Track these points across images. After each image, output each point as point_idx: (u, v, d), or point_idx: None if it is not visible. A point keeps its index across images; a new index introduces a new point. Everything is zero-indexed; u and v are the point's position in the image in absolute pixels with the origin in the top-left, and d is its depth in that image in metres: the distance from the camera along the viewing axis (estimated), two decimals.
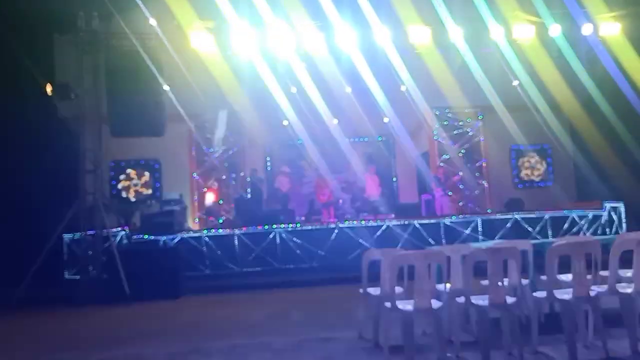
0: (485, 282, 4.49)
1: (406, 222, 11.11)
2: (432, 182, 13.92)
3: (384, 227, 10.98)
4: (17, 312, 8.30)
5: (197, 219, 13.91)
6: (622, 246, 4.38)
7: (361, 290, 5.16)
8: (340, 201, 14.51)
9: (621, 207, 11.94)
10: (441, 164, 14.90)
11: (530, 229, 11.36)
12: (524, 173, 15.51)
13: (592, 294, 4.17)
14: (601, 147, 12.61)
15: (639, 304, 4.28)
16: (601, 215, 11.80)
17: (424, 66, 11.69)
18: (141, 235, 10.39)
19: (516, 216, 11.54)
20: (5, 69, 10.37)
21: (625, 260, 4.55)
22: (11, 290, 8.83)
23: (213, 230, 11.11)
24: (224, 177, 14.20)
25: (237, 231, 10.65)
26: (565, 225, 11.53)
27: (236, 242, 10.48)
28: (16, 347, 5.90)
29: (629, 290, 4.28)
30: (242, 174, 14.52)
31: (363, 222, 11.43)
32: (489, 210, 14.43)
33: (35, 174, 10.42)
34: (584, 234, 11.31)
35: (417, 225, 11.07)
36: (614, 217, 11.86)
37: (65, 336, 6.46)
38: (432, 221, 11.39)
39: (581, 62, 11.72)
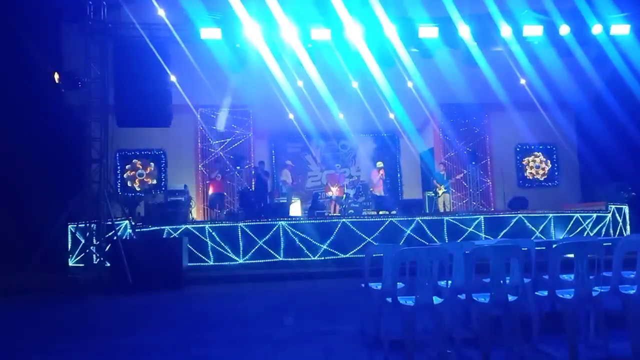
0: (487, 280, 4.48)
1: (409, 218, 11.12)
2: (435, 180, 13.84)
3: (387, 223, 10.99)
4: (20, 298, 8.35)
5: (201, 210, 13.97)
6: (625, 247, 4.37)
7: (363, 285, 5.17)
8: (344, 196, 14.53)
9: (626, 208, 11.90)
10: (444, 161, 14.84)
11: (533, 228, 11.34)
12: (528, 172, 15.47)
13: (594, 294, 4.16)
14: (608, 147, 12.55)
15: None
16: (605, 216, 11.76)
17: (431, 63, 11.64)
18: (145, 225, 10.44)
19: (520, 215, 11.52)
20: (13, 56, 10.40)
21: (629, 262, 4.54)
22: (15, 277, 8.89)
23: (217, 222, 11.15)
24: (228, 169, 14.24)
25: (240, 223, 10.70)
26: (569, 225, 11.50)
27: (239, 233, 10.51)
28: (18, 334, 5.94)
29: (632, 292, 4.27)
30: (247, 166, 14.55)
31: (366, 217, 11.44)
32: (492, 209, 14.42)
33: (41, 162, 10.48)
34: (588, 234, 11.28)
35: (420, 222, 11.08)
36: (619, 218, 11.81)
37: (67, 324, 6.50)
38: (435, 218, 11.40)
39: (590, 62, 11.63)
